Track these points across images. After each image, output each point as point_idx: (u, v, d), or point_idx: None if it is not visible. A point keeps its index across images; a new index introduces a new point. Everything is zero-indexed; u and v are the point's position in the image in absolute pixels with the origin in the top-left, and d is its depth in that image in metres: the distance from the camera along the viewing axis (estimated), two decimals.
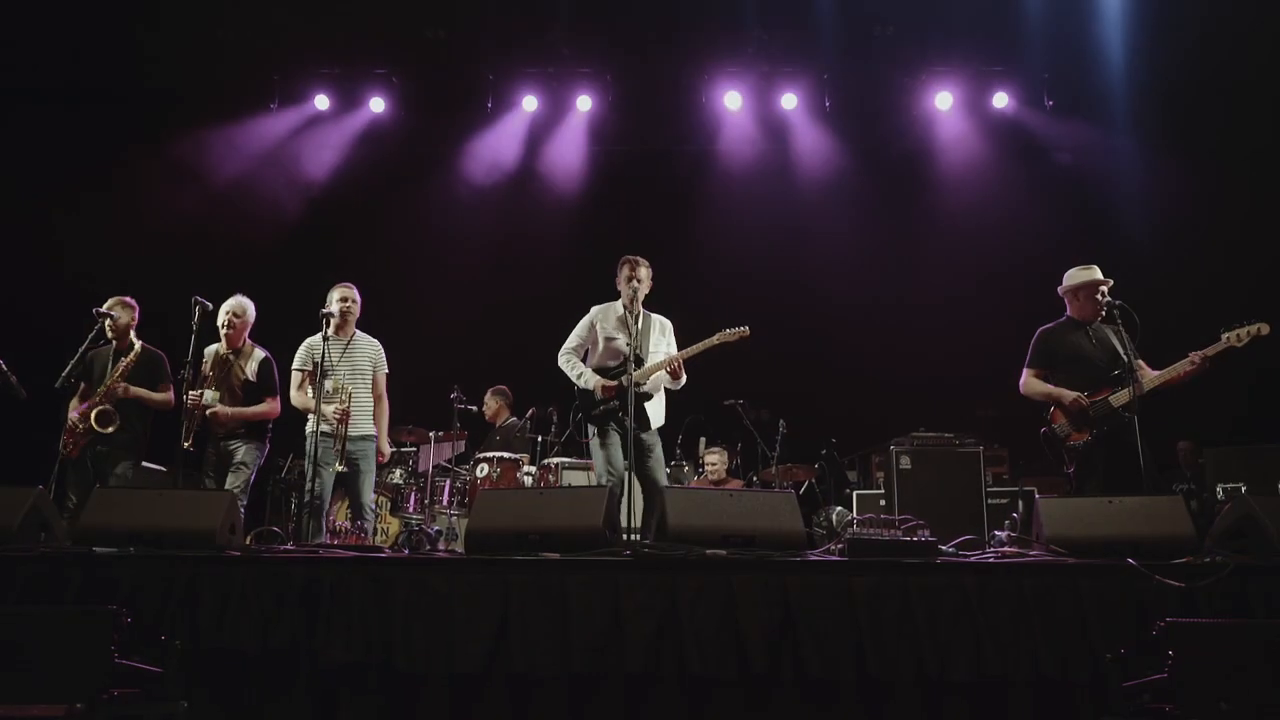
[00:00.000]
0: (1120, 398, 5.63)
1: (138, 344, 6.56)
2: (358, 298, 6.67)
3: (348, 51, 10.16)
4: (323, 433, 6.12)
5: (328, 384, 6.27)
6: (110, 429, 6.32)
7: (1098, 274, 5.98)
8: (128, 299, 6.69)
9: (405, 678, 3.97)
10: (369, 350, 6.67)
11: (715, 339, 6.15)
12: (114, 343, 6.55)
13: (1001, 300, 9.12)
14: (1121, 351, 5.68)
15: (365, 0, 9.32)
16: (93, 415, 6.29)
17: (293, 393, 6.58)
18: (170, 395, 6.58)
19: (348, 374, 6.48)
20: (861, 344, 10.00)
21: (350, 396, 6.35)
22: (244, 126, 10.28)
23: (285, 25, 9.41)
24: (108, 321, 6.48)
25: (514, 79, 10.41)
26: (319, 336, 6.37)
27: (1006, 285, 9.25)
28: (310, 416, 6.22)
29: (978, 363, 8.82)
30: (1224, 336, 5.56)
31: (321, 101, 10.42)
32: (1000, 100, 10.25)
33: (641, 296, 6.25)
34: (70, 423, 6.36)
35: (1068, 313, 6.09)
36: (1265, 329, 5.51)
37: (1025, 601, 3.99)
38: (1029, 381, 6.01)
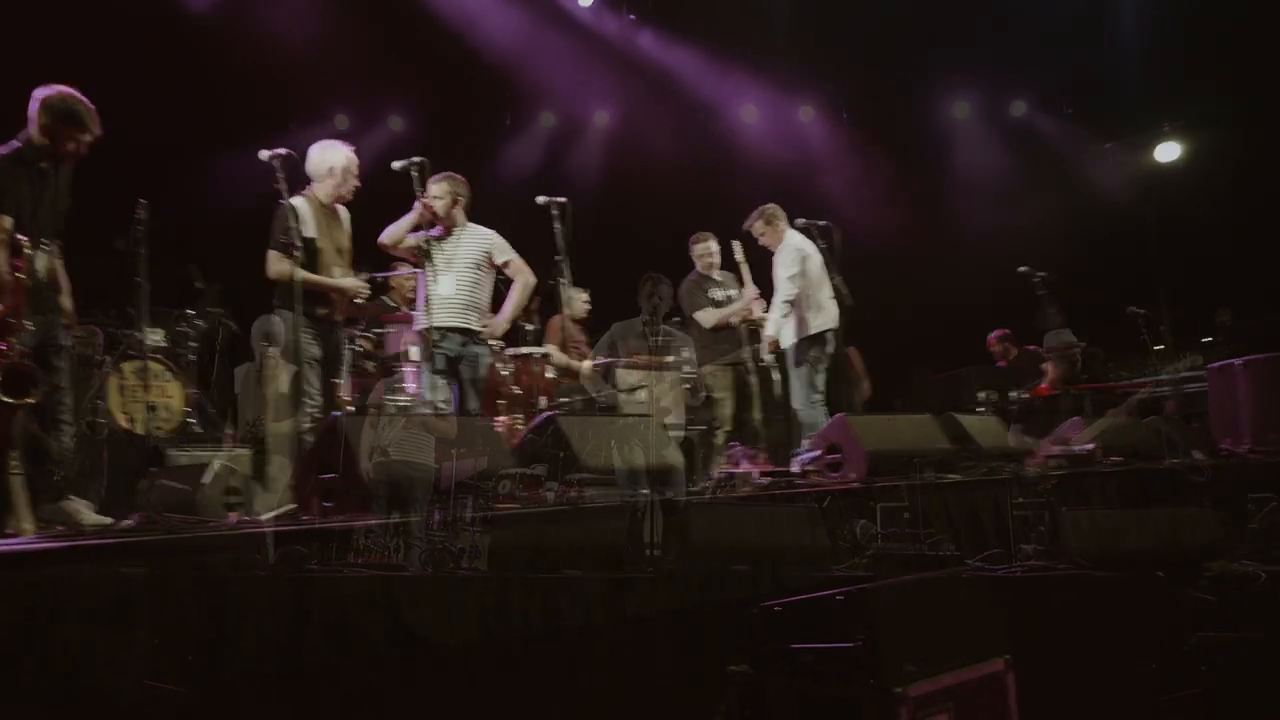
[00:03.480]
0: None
1: None
2: None
3: (366, 70, 10.22)
4: None
5: None
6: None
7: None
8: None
9: (429, 697, 3.96)
10: None
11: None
12: None
13: (1019, 307, 9.13)
14: None
15: (383, 17, 9.38)
16: None
17: None
18: None
19: None
20: (874, 357, 9.94)
21: None
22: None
23: (304, 45, 9.46)
24: None
25: (532, 95, 10.46)
26: None
27: (1025, 295, 9.26)
28: None
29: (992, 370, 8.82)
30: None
31: (341, 121, 10.48)
32: (1018, 109, 10.22)
33: (663, 313, 6.33)
34: None
35: None
36: (1200, 360, 6.23)
37: (1052, 616, 3.94)
38: None
